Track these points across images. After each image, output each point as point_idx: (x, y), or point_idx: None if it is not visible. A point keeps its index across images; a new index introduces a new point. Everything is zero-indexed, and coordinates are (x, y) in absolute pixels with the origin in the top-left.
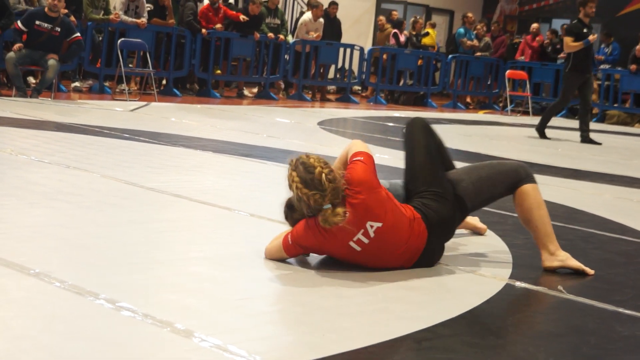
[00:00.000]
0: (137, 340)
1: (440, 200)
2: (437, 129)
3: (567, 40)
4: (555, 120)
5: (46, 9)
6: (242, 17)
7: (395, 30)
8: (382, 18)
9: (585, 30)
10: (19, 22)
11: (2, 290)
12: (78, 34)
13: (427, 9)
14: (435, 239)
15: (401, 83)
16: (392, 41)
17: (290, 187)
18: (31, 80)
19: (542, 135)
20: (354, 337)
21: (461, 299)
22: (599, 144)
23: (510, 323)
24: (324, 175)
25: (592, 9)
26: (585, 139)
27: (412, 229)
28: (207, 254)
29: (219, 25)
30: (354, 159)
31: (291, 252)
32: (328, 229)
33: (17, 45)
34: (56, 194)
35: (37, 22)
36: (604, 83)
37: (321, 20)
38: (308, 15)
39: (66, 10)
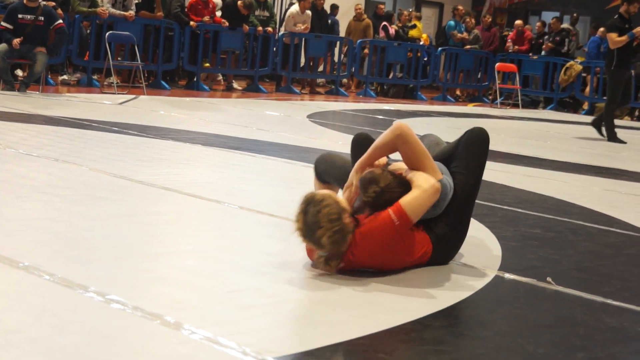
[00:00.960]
0: (127, 332)
1: (461, 236)
2: (427, 122)
3: (612, 36)
4: (544, 113)
5: (25, 1)
6: (223, 21)
7: (385, 23)
8: (359, 6)
9: (627, 26)
10: (2, 22)
11: None
12: (60, 21)
13: (416, 2)
14: (437, 261)
15: (390, 76)
16: (382, 34)
17: (294, 223)
18: (19, 73)
19: (618, 140)
20: (344, 329)
21: (450, 290)
22: (624, 142)
23: (499, 314)
24: (326, 237)
25: (635, 8)
26: (612, 137)
27: (415, 260)
28: (197, 247)
29: (207, 18)
30: (396, 214)
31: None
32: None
33: (16, 41)
34: (45, 187)
35: (20, 16)
36: (593, 76)
37: (308, 12)
38: (295, 7)
39: (53, 3)
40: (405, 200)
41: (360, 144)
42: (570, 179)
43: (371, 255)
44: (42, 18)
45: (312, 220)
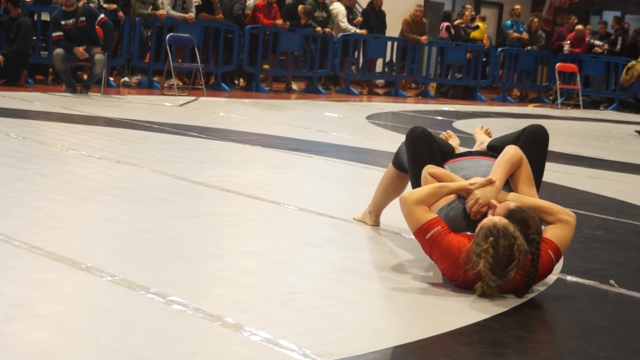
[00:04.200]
0: (188, 334)
1: None
2: (487, 122)
3: None
4: (606, 114)
5: (63, 7)
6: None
7: (447, 24)
8: (419, 7)
9: None
10: (53, 34)
11: (54, 284)
12: (102, 15)
13: (476, 2)
14: None
15: (449, 76)
16: (444, 34)
17: (476, 254)
18: (82, 75)
19: None
20: (404, 331)
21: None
22: None
23: (562, 317)
24: (515, 270)
25: None
26: None
27: None
28: (257, 248)
29: (279, 21)
30: (554, 255)
31: (419, 238)
32: (469, 270)
33: (80, 50)
34: (106, 188)
35: (63, 22)
36: None
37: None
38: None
39: (114, 6)
40: (560, 240)
41: (426, 139)
42: (633, 180)
43: (516, 284)
44: (84, 18)
45: (505, 254)
